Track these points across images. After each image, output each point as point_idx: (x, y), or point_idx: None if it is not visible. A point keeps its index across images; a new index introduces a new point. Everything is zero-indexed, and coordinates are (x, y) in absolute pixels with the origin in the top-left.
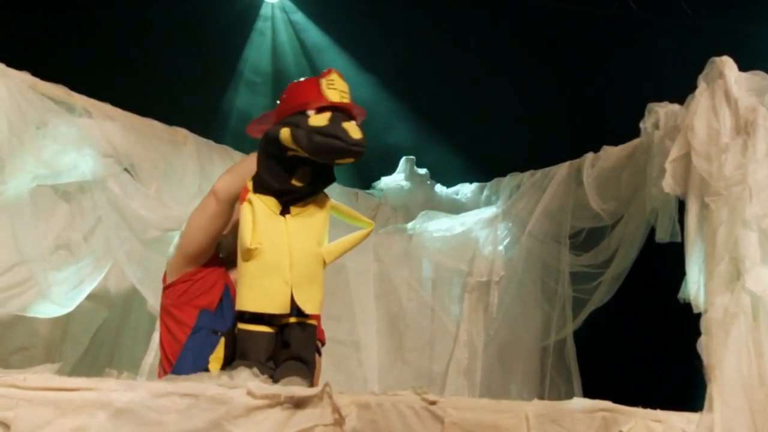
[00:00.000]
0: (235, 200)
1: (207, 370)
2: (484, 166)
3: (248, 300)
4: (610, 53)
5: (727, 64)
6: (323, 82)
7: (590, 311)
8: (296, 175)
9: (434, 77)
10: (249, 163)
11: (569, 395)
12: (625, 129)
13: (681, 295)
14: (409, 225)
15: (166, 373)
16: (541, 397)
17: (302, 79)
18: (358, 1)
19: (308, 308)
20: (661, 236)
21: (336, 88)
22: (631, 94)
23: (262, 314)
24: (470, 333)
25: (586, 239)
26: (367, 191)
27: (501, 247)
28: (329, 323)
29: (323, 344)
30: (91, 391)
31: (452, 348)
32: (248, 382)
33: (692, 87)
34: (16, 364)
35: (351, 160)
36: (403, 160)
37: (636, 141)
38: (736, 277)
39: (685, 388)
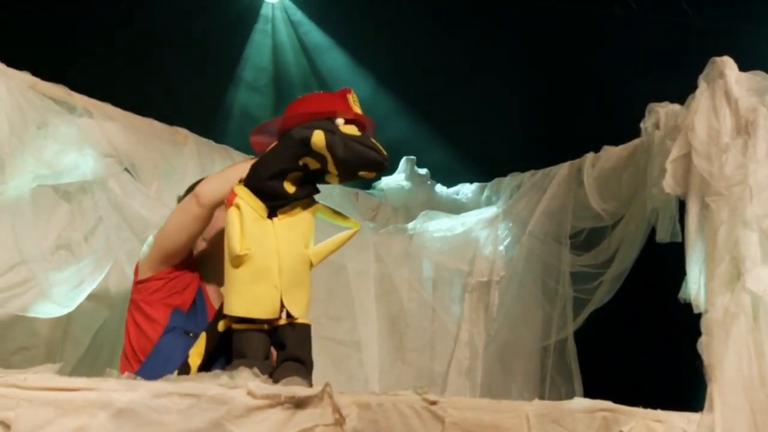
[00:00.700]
0: (217, 206)
1: (184, 369)
2: (484, 166)
3: (237, 305)
4: (611, 53)
5: (727, 64)
6: (349, 96)
7: (591, 311)
8: (289, 181)
9: (435, 77)
10: (235, 170)
11: (570, 395)
12: (626, 129)
13: (681, 295)
14: (410, 225)
15: (131, 366)
16: (542, 397)
17: (321, 92)
18: (358, 1)
19: (296, 311)
20: (662, 236)
21: (358, 106)
22: (632, 94)
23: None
24: (471, 333)
25: (586, 239)
26: (368, 191)
27: (501, 247)
28: (330, 323)
29: None
30: (92, 391)
31: (453, 348)
32: (249, 382)
33: (693, 87)
34: (16, 364)
35: (373, 174)
36: (403, 160)
37: (636, 141)
38: (737, 277)
39: (686, 388)
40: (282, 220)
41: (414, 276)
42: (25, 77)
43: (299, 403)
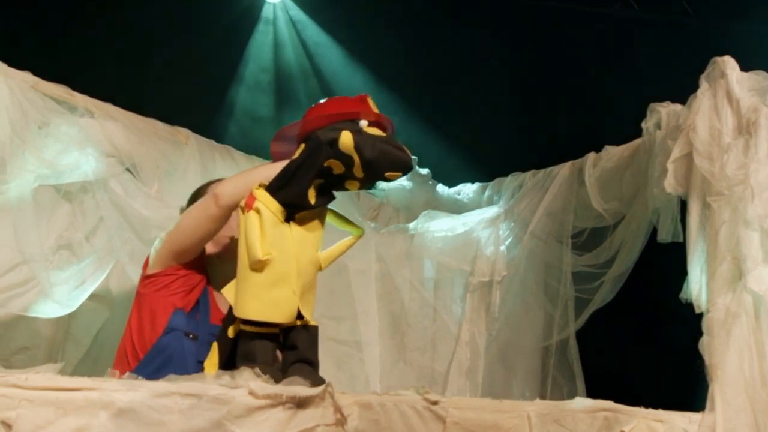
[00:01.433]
0: (234, 208)
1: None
2: (485, 166)
3: (255, 310)
4: (612, 53)
5: (728, 63)
6: (369, 100)
7: (592, 311)
8: (312, 188)
9: (435, 77)
10: (255, 173)
11: (572, 395)
12: (627, 129)
13: (683, 295)
14: (411, 225)
15: (128, 363)
16: (543, 397)
17: (340, 96)
18: (359, 1)
19: (307, 314)
20: (663, 236)
21: (377, 109)
22: (633, 94)
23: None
24: (472, 333)
25: (588, 239)
26: (369, 191)
27: (503, 247)
28: (331, 323)
29: None
30: (93, 391)
31: (454, 348)
32: (250, 381)
33: (694, 87)
34: (18, 364)
35: (399, 175)
36: None
37: (638, 141)
38: (738, 277)
39: (687, 388)
40: (298, 225)
41: (415, 276)
42: (26, 77)
43: (300, 403)
